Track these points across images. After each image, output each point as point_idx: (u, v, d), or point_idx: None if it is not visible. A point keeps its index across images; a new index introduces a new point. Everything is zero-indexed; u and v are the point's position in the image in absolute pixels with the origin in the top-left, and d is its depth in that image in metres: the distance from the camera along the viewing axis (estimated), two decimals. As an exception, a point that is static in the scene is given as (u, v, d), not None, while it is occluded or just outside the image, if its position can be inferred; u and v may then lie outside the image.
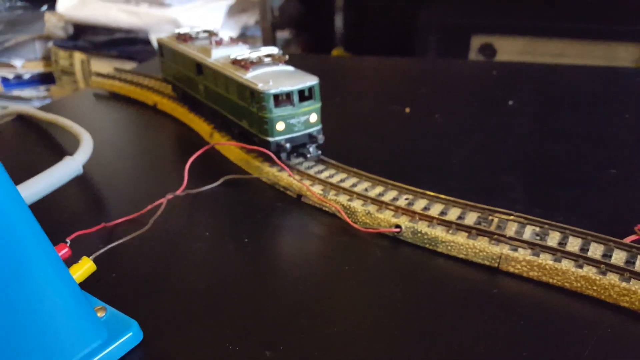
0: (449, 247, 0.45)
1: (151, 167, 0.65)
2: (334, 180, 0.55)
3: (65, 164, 0.53)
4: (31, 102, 1.91)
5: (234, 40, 0.69)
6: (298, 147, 0.57)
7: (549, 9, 1.47)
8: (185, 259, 0.46)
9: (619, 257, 0.41)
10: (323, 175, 0.56)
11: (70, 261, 0.38)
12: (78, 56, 1.80)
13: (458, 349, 0.35)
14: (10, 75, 1.91)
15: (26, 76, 1.94)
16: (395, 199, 0.51)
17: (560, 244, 0.43)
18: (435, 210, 0.49)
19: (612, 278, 0.39)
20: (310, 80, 0.56)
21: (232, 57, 0.61)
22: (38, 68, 1.94)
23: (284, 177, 0.55)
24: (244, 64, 0.58)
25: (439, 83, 0.97)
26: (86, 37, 1.79)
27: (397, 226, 0.47)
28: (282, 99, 0.55)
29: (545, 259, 0.42)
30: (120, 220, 0.50)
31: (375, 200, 0.50)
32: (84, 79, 1.81)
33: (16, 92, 1.93)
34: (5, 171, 0.29)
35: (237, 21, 1.70)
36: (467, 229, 0.46)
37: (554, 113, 0.79)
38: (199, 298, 0.41)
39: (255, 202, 0.55)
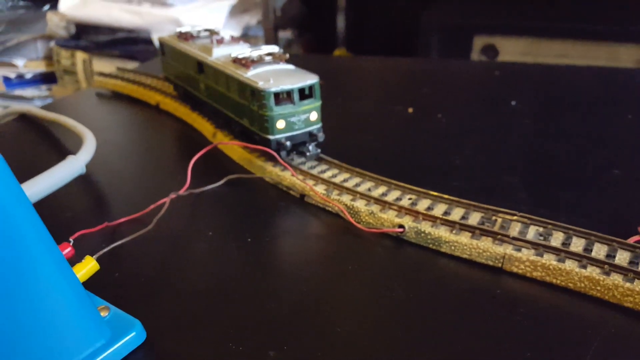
0: (453, 247, 0.45)
1: (154, 167, 0.65)
2: (337, 180, 0.55)
3: (68, 164, 0.53)
4: (33, 101, 1.91)
5: (234, 39, 0.69)
6: (298, 145, 0.58)
7: (551, 9, 1.47)
8: (188, 259, 0.46)
9: (622, 257, 0.41)
10: (326, 175, 0.55)
11: (73, 260, 0.39)
12: (80, 56, 1.80)
13: (461, 349, 0.35)
14: (13, 75, 1.91)
15: (28, 76, 1.94)
16: (398, 199, 0.51)
17: (563, 244, 0.43)
18: (439, 210, 0.49)
19: (616, 278, 0.39)
20: (310, 79, 0.56)
21: (233, 55, 0.61)
22: (40, 68, 1.94)
23: (287, 177, 0.55)
24: (245, 63, 0.59)
25: (441, 83, 0.97)
26: (88, 36, 1.79)
27: (401, 226, 0.47)
28: (282, 97, 0.55)
29: (549, 259, 0.41)
30: (123, 220, 0.50)
31: (378, 200, 0.50)
32: (86, 78, 1.82)
33: (18, 92, 1.93)
34: (10, 170, 0.29)
35: (239, 21, 1.70)
36: (471, 229, 0.46)
37: (556, 113, 0.79)
38: (202, 298, 0.41)
39: (258, 201, 0.55)
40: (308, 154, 0.58)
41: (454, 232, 0.46)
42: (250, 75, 0.57)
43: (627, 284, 0.38)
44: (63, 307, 0.32)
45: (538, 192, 0.56)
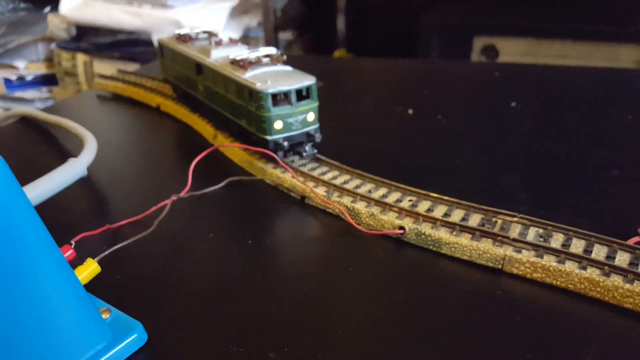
0: (453, 249, 0.45)
1: (155, 169, 0.66)
2: (338, 181, 0.55)
3: (69, 166, 0.53)
4: (34, 103, 1.91)
5: (233, 41, 0.70)
6: (296, 146, 0.58)
7: (551, 9, 1.47)
8: (189, 261, 0.46)
9: (622, 258, 0.41)
10: (326, 177, 0.56)
11: (75, 263, 0.39)
12: (81, 58, 1.80)
13: (461, 349, 0.35)
14: (13, 77, 1.92)
15: (29, 77, 1.95)
16: (398, 200, 0.51)
17: (563, 245, 0.43)
18: (439, 211, 0.49)
19: (616, 279, 0.39)
20: (307, 80, 0.57)
21: (231, 57, 0.62)
22: (41, 69, 1.95)
23: (288, 179, 0.56)
24: (243, 64, 0.59)
25: (442, 84, 0.97)
26: (89, 38, 1.79)
27: (401, 228, 0.47)
28: (280, 98, 0.56)
29: (549, 261, 0.42)
30: (124, 222, 0.50)
31: (378, 202, 0.51)
32: (87, 80, 1.82)
33: (19, 94, 1.93)
34: (12, 173, 0.29)
35: (240, 22, 1.70)
36: (471, 230, 0.46)
37: (556, 114, 0.79)
38: (203, 299, 0.41)
39: (259, 203, 0.55)
40: (304, 154, 0.58)
41: (454, 233, 0.46)
42: (248, 76, 0.57)
43: (627, 285, 0.38)
44: (64, 309, 0.32)
45: (538, 192, 0.56)
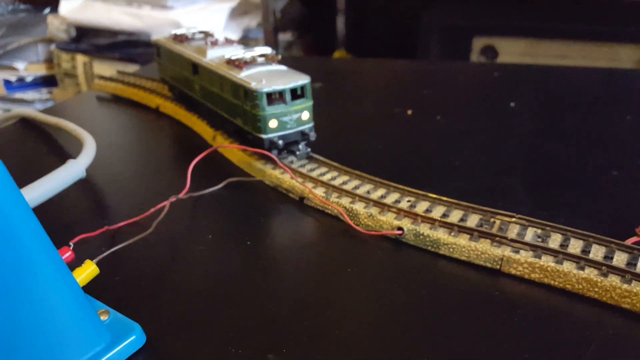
0: (451, 250, 0.45)
1: (154, 170, 0.66)
2: (337, 182, 0.55)
3: (68, 167, 0.53)
4: (34, 104, 1.91)
5: (228, 41, 0.71)
6: (291, 144, 0.59)
7: (550, 10, 1.47)
8: (188, 262, 0.46)
9: (620, 258, 0.41)
10: (325, 178, 0.56)
11: (73, 264, 0.39)
12: (80, 59, 1.80)
13: (460, 350, 0.35)
14: (13, 78, 1.92)
15: (29, 79, 1.95)
16: (397, 201, 0.51)
17: (561, 246, 0.43)
18: (438, 212, 0.49)
19: (614, 280, 0.39)
20: (302, 79, 0.57)
21: (226, 57, 0.63)
22: (41, 71, 1.95)
23: (287, 180, 0.56)
24: (238, 64, 0.60)
25: (441, 85, 0.97)
26: (89, 39, 1.79)
27: (400, 228, 0.47)
28: (275, 97, 0.56)
29: (547, 261, 0.42)
30: (123, 224, 0.50)
31: (377, 203, 0.51)
32: (87, 81, 1.82)
33: (19, 95, 1.93)
34: (9, 174, 0.29)
35: (239, 23, 1.71)
36: (469, 231, 0.46)
37: (555, 114, 0.79)
38: (202, 301, 0.41)
39: (258, 204, 0.55)
40: (298, 152, 0.59)
41: (452, 234, 0.46)
42: (244, 76, 0.58)
43: (625, 286, 0.38)
44: (63, 311, 0.32)
45: (537, 192, 0.56)
